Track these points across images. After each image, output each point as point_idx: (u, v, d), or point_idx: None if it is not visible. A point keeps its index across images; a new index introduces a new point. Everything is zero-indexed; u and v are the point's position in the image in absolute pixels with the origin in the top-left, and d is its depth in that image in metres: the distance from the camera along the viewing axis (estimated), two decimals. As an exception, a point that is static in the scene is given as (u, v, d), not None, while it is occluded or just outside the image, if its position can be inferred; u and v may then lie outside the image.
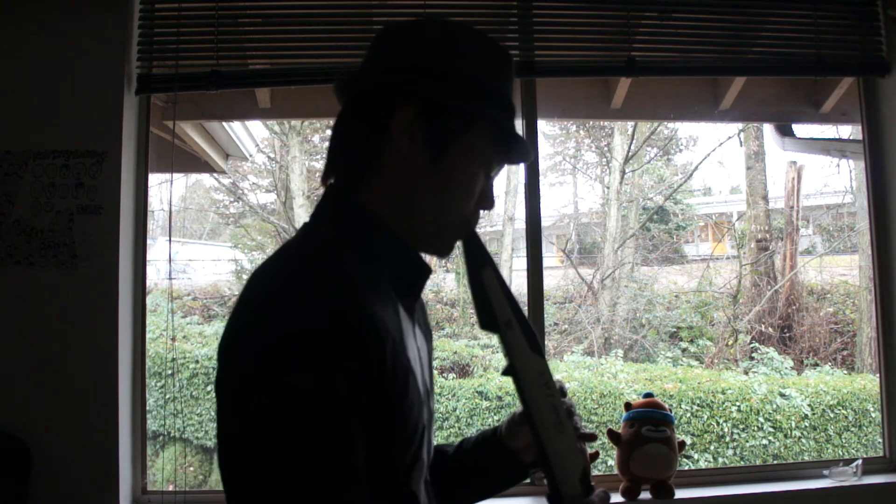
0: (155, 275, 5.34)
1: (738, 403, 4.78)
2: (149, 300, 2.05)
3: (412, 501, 0.74)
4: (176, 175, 6.99)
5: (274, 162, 8.92)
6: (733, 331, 7.19)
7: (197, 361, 5.63)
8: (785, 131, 3.06)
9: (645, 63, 2.10)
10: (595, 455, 1.89)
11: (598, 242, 8.97)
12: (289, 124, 7.94)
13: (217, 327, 6.52)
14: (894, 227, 2.15)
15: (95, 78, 1.89)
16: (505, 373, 0.76)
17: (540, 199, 2.08)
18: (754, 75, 2.32)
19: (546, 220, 9.40)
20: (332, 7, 2.04)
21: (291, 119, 7.17)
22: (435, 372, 5.82)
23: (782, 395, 4.89)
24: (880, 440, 2.18)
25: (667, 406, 1.97)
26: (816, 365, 6.69)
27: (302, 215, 7.62)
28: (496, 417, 4.95)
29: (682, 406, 4.75)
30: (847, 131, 5.75)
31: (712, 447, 4.72)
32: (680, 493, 1.90)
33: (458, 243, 0.80)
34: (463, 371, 5.93)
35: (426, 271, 0.82)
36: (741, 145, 8.09)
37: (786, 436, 4.74)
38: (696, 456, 4.68)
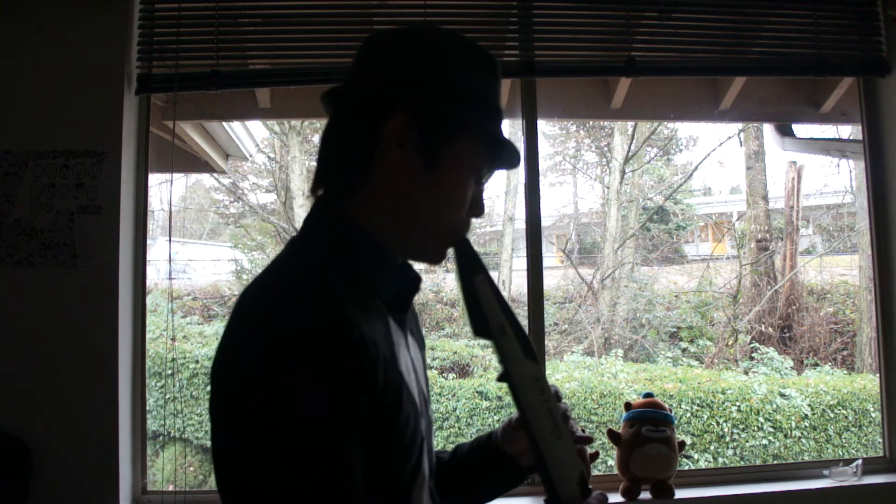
0: (155, 275, 5.34)
1: (738, 403, 4.78)
2: (149, 300, 2.05)
3: None
4: (176, 175, 6.99)
5: (274, 162, 8.92)
6: (733, 331, 7.19)
7: (197, 361, 5.63)
8: (785, 131, 3.06)
9: (645, 63, 2.10)
10: (595, 455, 1.89)
11: (598, 242, 8.97)
12: (289, 124, 7.94)
13: (217, 327, 6.52)
14: (894, 227, 2.15)
15: (95, 78, 1.89)
16: (500, 379, 0.76)
17: (540, 199, 2.08)
18: (754, 75, 2.32)
19: (546, 220, 9.40)
20: (332, 7, 2.04)
21: (291, 119, 7.17)
22: (435, 372, 5.84)
23: (782, 395, 4.89)
24: (880, 440, 2.18)
25: (667, 406, 1.97)
26: (816, 365, 6.69)
27: (302, 215, 7.60)
28: (496, 417, 4.95)
29: (682, 406, 4.75)
30: (847, 131, 5.75)
31: (712, 447, 4.72)
32: (680, 493, 1.90)
33: (450, 250, 0.80)
34: (463, 371, 5.93)
35: (415, 283, 0.82)
36: (741, 145, 8.09)
37: (786, 436, 4.74)
38: (696, 456, 4.68)
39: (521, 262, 7.24)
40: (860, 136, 2.28)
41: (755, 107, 2.63)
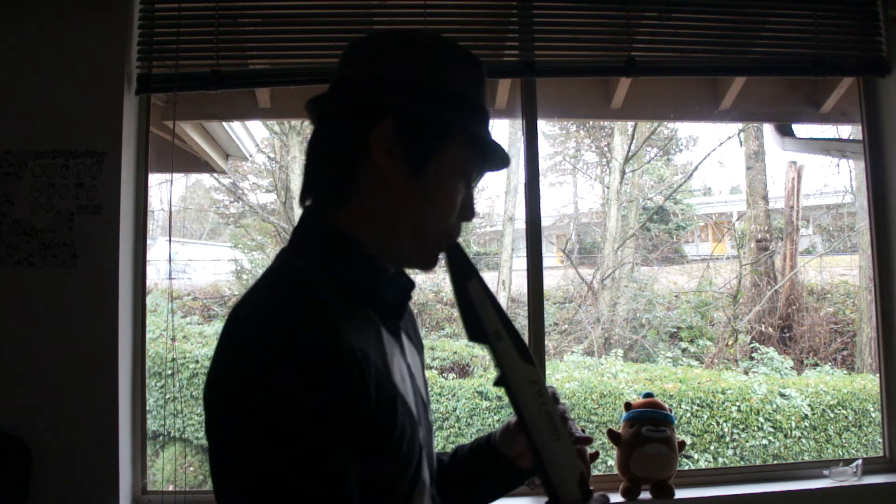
0: (155, 275, 5.34)
1: (738, 403, 4.78)
2: (149, 300, 2.05)
3: None
4: (176, 175, 6.99)
5: (274, 162, 8.92)
6: (733, 331, 7.19)
7: (197, 361, 5.63)
8: (785, 131, 3.07)
9: (645, 63, 2.10)
10: (595, 455, 1.89)
11: (598, 242, 8.97)
12: (289, 124, 7.94)
13: (217, 327, 6.52)
14: (894, 227, 2.15)
15: (95, 78, 1.89)
16: (496, 383, 0.75)
17: (540, 199, 2.08)
18: (754, 75, 2.32)
19: (546, 220, 9.40)
20: (332, 7, 2.04)
21: (291, 119, 7.16)
22: (435, 372, 5.83)
23: (782, 395, 4.89)
24: (880, 440, 2.18)
25: (667, 406, 1.97)
26: (816, 365, 6.69)
27: (302, 215, 7.56)
28: (496, 417, 4.95)
29: (682, 406, 4.75)
30: (847, 131, 5.75)
31: (712, 447, 4.72)
32: (680, 493, 1.90)
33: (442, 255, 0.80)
34: (463, 371, 5.94)
35: (408, 289, 0.81)
36: (741, 145, 8.09)
37: (786, 436, 4.74)
38: (696, 456, 4.68)
39: (521, 262, 7.24)
40: (860, 136, 2.28)
41: (755, 107, 2.63)
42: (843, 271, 7.79)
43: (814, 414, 4.81)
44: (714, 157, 12.11)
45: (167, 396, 5.32)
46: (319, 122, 0.79)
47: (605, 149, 8.92)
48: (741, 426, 4.75)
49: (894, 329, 2.14)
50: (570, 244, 9.20)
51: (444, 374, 5.74)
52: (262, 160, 9.03)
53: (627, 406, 1.98)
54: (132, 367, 1.92)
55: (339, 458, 0.61)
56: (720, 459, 4.67)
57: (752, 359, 6.58)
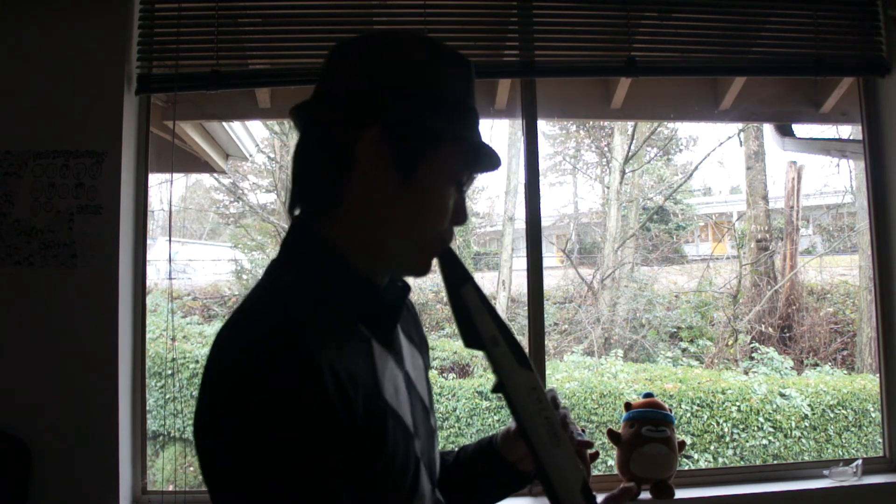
0: (155, 275, 5.34)
1: (738, 403, 4.78)
2: (149, 300, 2.05)
3: None
4: (176, 175, 6.99)
5: (274, 162, 8.92)
6: (733, 331, 7.19)
7: (197, 361, 5.63)
8: (785, 131, 3.07)
9: (645, 63, 2.10)
10: (595, 455, 1.89)
11: (598, 242, 8.97)
12: (289, 124, 7.93)
13: (217, 327, 6.51)
14: (894, 227, 2.15)
15: (95, 78, 1.89)
16: (495, 390, 0.74)
17: (540, 199, 2.08)
18: (754, 75, 2.32)
19: (546, 220, 9.40)
20: (332, 7, 2.04)
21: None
22: (435, 372, 5.82)
23: (782, 395, 4.89)
24: (880, 440, 2.18)
25: (667, 406, 1.98)
26: (816, 365, 6.69)
27: (302, 215, 7.56)
28: (496, 417, 4.95)
29: (682, 406, 4.75)
30: (847, 131, 5.75)
31: (712, 447, 4.72)
32: (680, 493, 1.91)
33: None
34: (463, 371, 5.94)
35: (403, 295, 0.80)
36: (741, 145, 8.09)
37: (786, 436, 4.74)
38: (696, 456, 4.68)
39: (521, 262, 7.23)
40: (860, 136, 2.28)
41: (755, 107, 2.63)
42: (843, 271, 7.79)
43: (814, 414, 4.81)
44: (714, 157, 12.10)
45: (167, 396, 5.32)
46: (304, 129, 0.77)
47: (605, 149, 8.92)
48: (741, 426, 4.75)
49: (894, 329, 2.14)
50: (570, 244, 9.20)
51: (444, 374, 5.74)
52: (262, 160, 9.03)
53: (627, 406, 1.98)
54: (132, 367, 1.92)
55: (318, 482, 0.60)
56: (720, 459, 4.67)
57: (752, 359, 6.58)
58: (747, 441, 4.72)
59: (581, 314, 7.66)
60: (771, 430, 4.75)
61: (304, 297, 0.69)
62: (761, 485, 2.00)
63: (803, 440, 4.75)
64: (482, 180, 8.99)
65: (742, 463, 4.59)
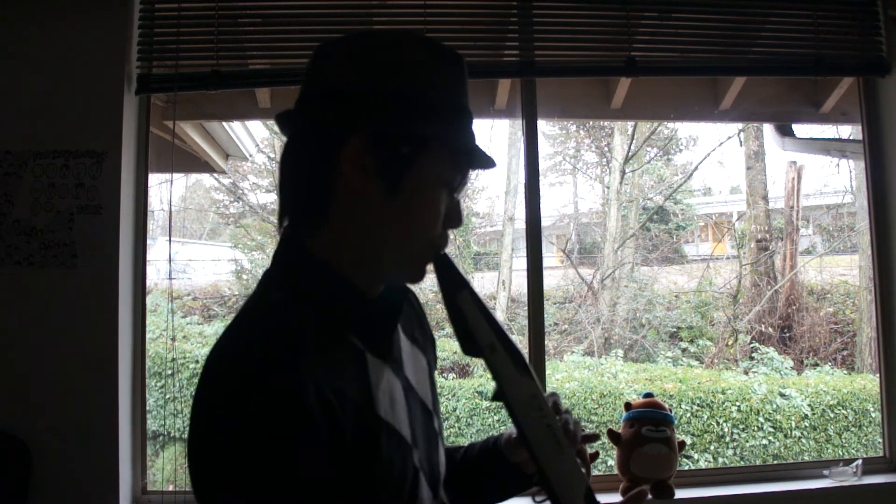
0: (155, 275, 5.34)
1: (738, 403, 4.78)
2: (149, 300, 2.05)
3: None
4: (176, 175, 6.99)
5: (274, 162, 8.91)
6: (733, 331, 7.19)
7: (197, 361, 5.62)
8: (785, 131, 3.07)
9: (645, 63, 2.10)
10: (595, 455, 1.89)
11: (598, 242, 8.96)
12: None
13: (217, 327, 6.52)
14: (894, 227, 2.15)
15: (95, 78, 1.89)
16: (494, 398, 0.72)
17: (540, 199, 2.08)
18: (754, 75, 2.32)
19: (546, 220, 9.40)
20: (332, 7, 2.04)
21: (291, 119, 7.15)
22: (436, 372, 5.86)
23: (782, 395, 4.89)
24: (880, 440, 2.18)
25: (667, 406, 1.98)
26: (816, 365, 6.69)
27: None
28: (496, 417, 4.95)
29: (682, 406, 4.75)
30: (847, 131, 5.75)
31: (712, 447, 4.72)
32: (680, 493, 1.91)
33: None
34: (463, 371, 5.94)
35: (400, 301, 0.78)
36: (741, 145, 8.08)
37: (786, 436, 4.74)
38: (696, 456, 4.68)
39: (521, 262, 7.23)
40: (860, 136, 2.28)
41: (755, 107, 2.63)
42: (843, 271, 7.79)
43: (814, 414, 4.81)
44: (714, 157, 12.07)
45: (167, 396, 5.32)
46: (289, 138, 0.74)
47: (605, 149, 8.92)
48: (741, 426, 4.75)
49: (894, 329, 2.14)
50: (570, 244, 9.19)
51: (444, 374, 5.74)
52: (262, 160, 9.02)
53: (627, 406, 1.98)
54: (132, 367, 1.93)
55: (285, 495, 0.59)
56: (720, 459, 4.67)
57: (752, 359, 6.58)
58: (747, 441, 4.72)
59: (581, 314, 7.65)
60: (771, 430, 4.75)
61: (290, 314, 0.68)
62: (761, 485, 2.00)
63: (803, 440, 4.75)
64: (482, 180, 8.98)
65: (742, 463, 4.59)
